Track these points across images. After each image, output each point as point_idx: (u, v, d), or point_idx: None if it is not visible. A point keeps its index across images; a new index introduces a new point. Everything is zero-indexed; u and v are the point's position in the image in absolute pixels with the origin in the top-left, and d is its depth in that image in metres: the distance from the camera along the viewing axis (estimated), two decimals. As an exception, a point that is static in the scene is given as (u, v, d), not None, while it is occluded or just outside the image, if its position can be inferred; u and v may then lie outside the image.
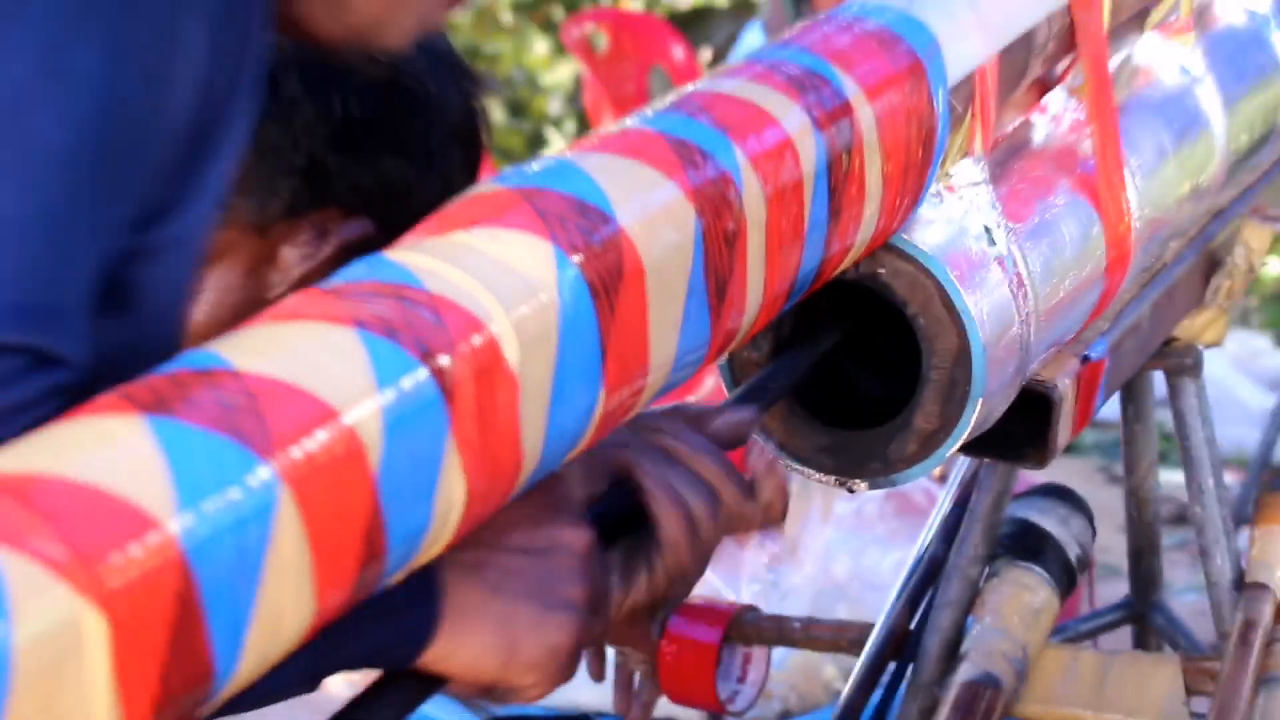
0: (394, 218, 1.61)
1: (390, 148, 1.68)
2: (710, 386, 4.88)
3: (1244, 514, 4.36)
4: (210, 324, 1.58)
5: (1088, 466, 6.37)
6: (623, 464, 1.51)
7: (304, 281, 1.64)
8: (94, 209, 1.09)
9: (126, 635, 0.88)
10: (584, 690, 3.16)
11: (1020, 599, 2.40)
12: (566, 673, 1.45)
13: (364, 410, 1.02)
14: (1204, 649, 2.54)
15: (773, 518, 1.61)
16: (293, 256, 1.68)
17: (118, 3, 1.14)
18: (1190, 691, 2.40)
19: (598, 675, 2.62)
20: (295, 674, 1.28)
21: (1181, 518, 5.46)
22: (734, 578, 3.44)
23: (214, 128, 1.19)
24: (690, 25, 8.79)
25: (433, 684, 1.41)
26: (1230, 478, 5.01)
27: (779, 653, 3.29)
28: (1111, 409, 2.63)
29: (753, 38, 6.35)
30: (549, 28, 10.56)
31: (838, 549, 3.50)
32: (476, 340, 1.10)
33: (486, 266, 1.14)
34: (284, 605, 0.97)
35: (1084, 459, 6.26)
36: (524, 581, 1.42)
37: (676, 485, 1.51)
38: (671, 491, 1.51)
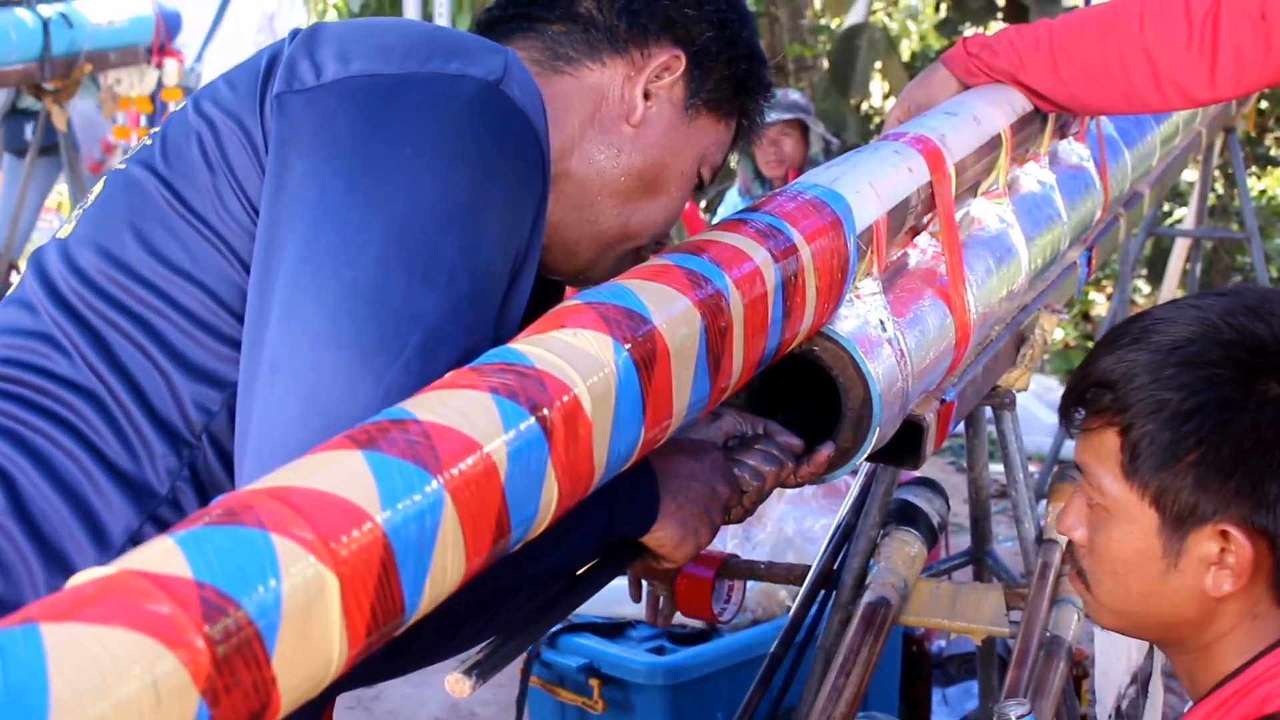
0: None
1: None
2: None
3: (1042, 492, 4.34)
4: None
5: (944, 461, 6.35)
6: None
7: None
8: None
9: (350, 587, 0.89)
10: (626, 607, 3.15)
11: (903, 550, 2.39)
12: (704, 547, 1.60)
13: (496, 444, 1.02)
14: (1018, 580, 2.53)
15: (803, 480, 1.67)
16: None
17: (501, 198, 1.25)
18: (1009, 607, 2.39)
19: (635, 598, 2.62)
20: (575, 554, 1.46)
21: (1003, 494, 5.46)
22: (720, 535, 3.42)
23: (530, 265, 1.32)
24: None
25: (635, 555, 1.58)
26: (1033, 468, 5.00)
27: (750, 582, 3.28)
28: (958, 428, 2.63)
29: (732, 194, 6.35)
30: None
31: (788, 516, 3.49)
32: (565, 398, 1.10)
33: (570, 351, 1.14)
34: (447, 567, 0.97)
35: (942, 457, 6.24)
36: (697, 496, 1.53)
37: (760, 458, 1.63)
38: (759, 457, 1.63)
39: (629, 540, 1.53)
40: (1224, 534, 1.26)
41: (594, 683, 3.16)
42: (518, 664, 3.34)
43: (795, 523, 3.41)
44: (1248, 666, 1.31)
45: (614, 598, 3.27)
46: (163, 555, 0.82)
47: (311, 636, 0.86)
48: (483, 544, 1.01)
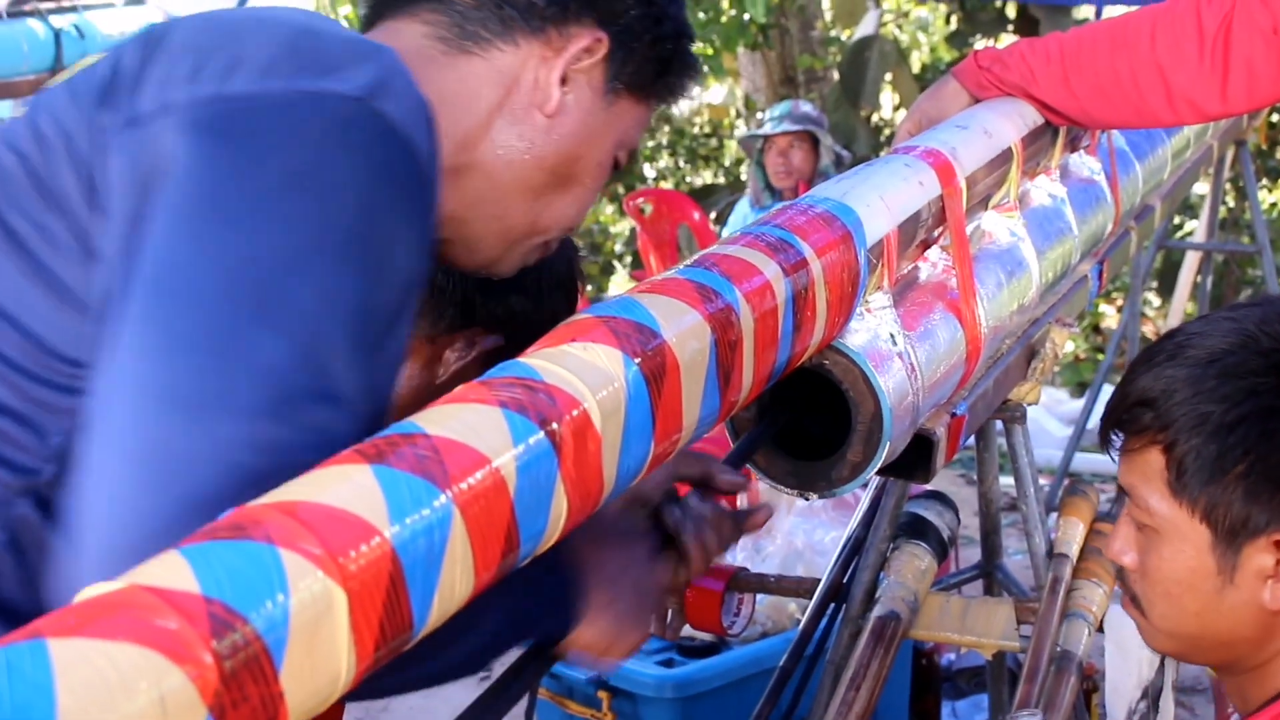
0: (517, 335, 1.63)
1: (515, 290, 1.68)
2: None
3: (1052, 504, 4.34)
4: (404, 395, 1.58)
5: (954, 474, 6.33)
6: (653, 504, 1.60)
7: (459, 375, 1.65)
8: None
9: (359, 602, 0.88)
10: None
11: (913, 564, 2.38)
12: (640, 646, 1.50)
13: (505, 458, 1.02)
14: (1029, 594, 2.52)
15: (757, 527, 1.63)
16: (451, 357, 1.68)
17: (370, 230, 1.12)
18: (1020, 622, 2.38)
19: (660, 626, 2.62)
20: (483, 652, 1.39)
21: (1013, 507, 5.45)
22: (730, 549, 3.42)
23: (410, 298, 1.19)
24: (703, 197, 8.78)
25: (557, 657, 1.49)
26: (1043, 481, 4.99)
27: (760, 595, 3.28)
28: (968, 441, 2.63)
29: (742, 205, 6.36)
30: (615, 198, 10.56)
31: (797, 529, 3.48)
32: (575, 413, 1.10)
33: (580, 365, 1.14)
34: (456, 582, 0.97)
35: (952, 470, 6.23)
36: (628, 592, 1.47)
37: (697, 526, 1.61)
38: (692, 529, 1.60)
39: (550, 642, 1.47)
40: (1278, 545, 1.25)
41: (603, 695, 3.15)
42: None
43: (805, 535, 3.41)
44: None
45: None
46: (171, 570, 0.82)
47: (319, 652, 0.86)
48: (491, 559, 1.00)
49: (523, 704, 3.28)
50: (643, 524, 1.54)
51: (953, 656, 4.08)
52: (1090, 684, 3.51)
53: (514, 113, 1.36)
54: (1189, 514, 1.28)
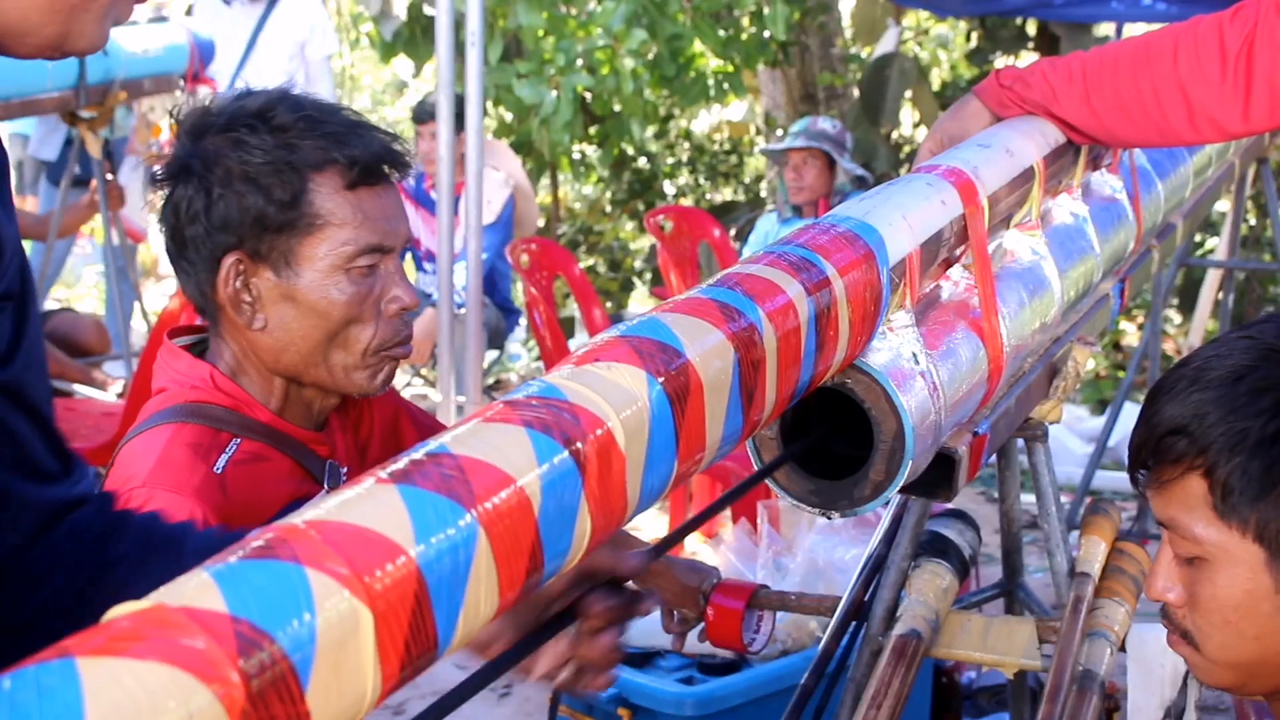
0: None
1: None
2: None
3: (1074, 522, 4.32)
4: None
5: (975, 492, 6.32)
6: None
7: None
8: None
9: (385, 621, 0.89)
10: (657, 638, 3.15)
11: (934, 582, 2.38)
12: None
13: (530, 478, 1.02)
14: (1050, 613, 2.52)
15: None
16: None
17: None
18: (1041, 641, 2.38)
19: (669, 629, 2.62)
20: None
21: (1034, 525, 5.43)
22: (751, 565, 3.42)
23: None
24: (723, 214, 8.78)
25: None
26: (1064, 499, 4.97)
27: (780, 613, 3.27)
28: (990, 458, 2.63)
29: (767, 220, 6.36)
30: (635, 215, 10.57)
31: (819, 547, 3.48)
32: (599, 432, 1.10)
33: (604, 385, 1.14)
34: (481, 600, 0.97)
35: (973, 488, 6.21)
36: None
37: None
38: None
39: None
40: None
41: (623, 713, 3.15)
42: (546, 693, 3.33)
43: (826, 553, 3.40)
44: None
45: (644, 628, 3.27)
46: (198, 589, 0.82)
47: (345, 671, 0.86)
48: (516, 578, 1.01)
49: (541, 718, 3.28)
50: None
51: (973, 675, 4.06)
52: (1112, 703, 3.50)
53: None
54: (1240, 535, 1.26)
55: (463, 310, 6.20)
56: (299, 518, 0.91)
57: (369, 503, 0.93)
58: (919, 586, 2.37)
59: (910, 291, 1.73)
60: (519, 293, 7.12)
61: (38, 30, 1.15)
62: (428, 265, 7.13)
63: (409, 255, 7.14)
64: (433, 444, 1.02)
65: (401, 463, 0.98)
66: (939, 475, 1.87)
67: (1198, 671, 1.35)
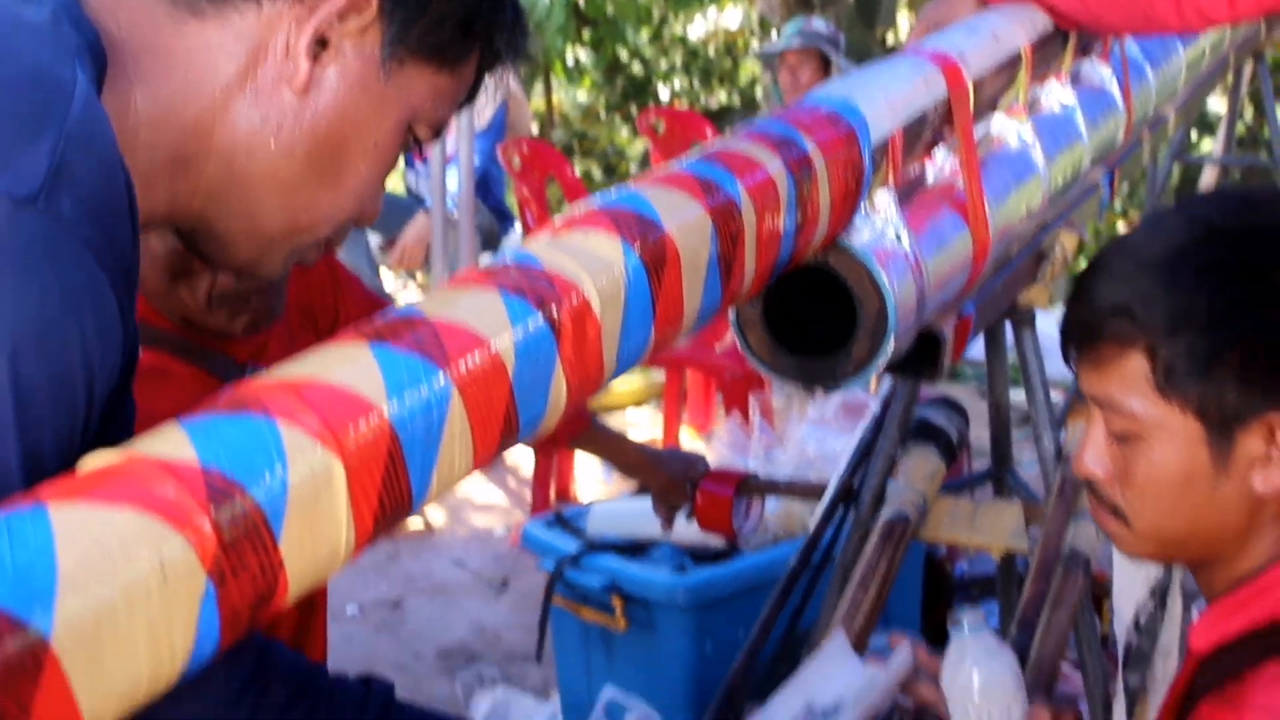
0: None
1: None
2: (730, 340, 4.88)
3: (1062, 418, 4.33)
4: None
5: (970, 389, 6.33)
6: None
7: None
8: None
9: (357, 477, 0.89)
10: (649, 528, 3.16)
11: (922, 467, 2.39)
12: None
13: (504, 341, 1.02)
14: (1038, 498, 2.53)
15: None
16: None
17: (40, 359, 0.91)
18: (1029, 524, 2.39)
19: (668, 526, 2.65)
20: None
21: (1026, 420, 5.46)
22: (743, 457, 3.44)
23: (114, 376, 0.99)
24: (717, 118, 8.73)
25: None
26: (1058, 395, 4.99)
27: (771, 501, 3.29)
28: (982, 354, 2.63)
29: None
30: (629, 119, 10.51)
31: (809, 438, 3.49)
32: (574, 298, 1.10)
33: (581, 253, 1.14)
34: (454, 458, 0.98)
35: (967, 384, 6.22)
36: None
37: None
38: None
39: None
40: (1270, 428, 1.24)
41: (617, 602, 3.17)
42: (540, 584, 3.36)
43: (817, 444, 3.42)
44: (1269, 568, 1.30)
45: (636, 518, 3.29)
46: (169, 441, 0.83)
47: (319, 523, 0.87)
48: (491, 439, 1.01)
49: (536, 613, 3.31)
50: None
51: (965, 566, 4.09)
52: (1101, 590, 3.52)
53: (257, 89, 1.10)
54: (1180, 411, 1.27)
55: (455, 214, 6.18)
56: (269, 375, 0.91)
57: (341, 361, 0.94)
58: (907, 470, 2.38)
59: (893, 172, 1.72)
60: (513, 199, 7.10)
61: (237, 250, 1.18)
62: (418, 164, 7.07)
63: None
64: (406, 308, 1.02)
65: (374, 324, 0.98)
66: (924, 356, 1.88)
67: (1122, 544, 1.36)
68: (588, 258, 1.14)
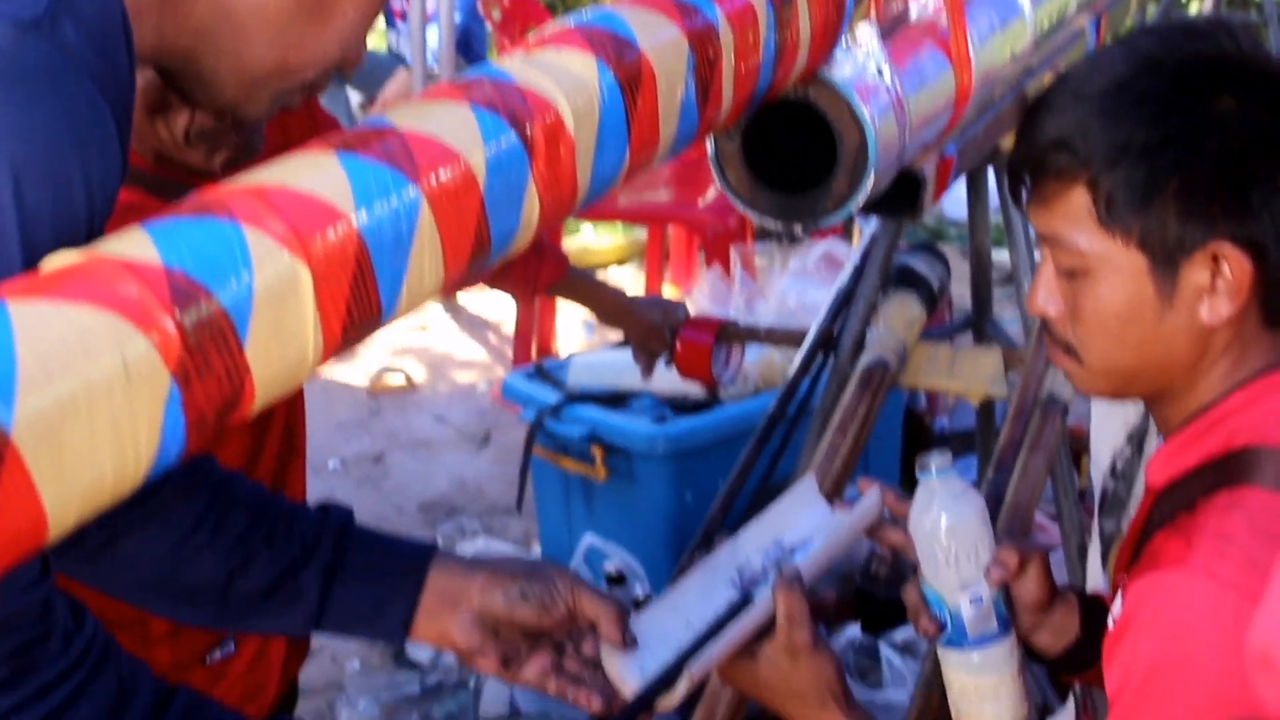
0: None
1: None
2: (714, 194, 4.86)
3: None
4: None
5: (953, 248, 6.33)
6: None
7: None
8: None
9: (324, 284, 0.88)
10: (629, 379, 3.17)
11: (902, 314, 2.39)
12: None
13: (476, 155, 1.01)
14: (1018, 345, 2.53)
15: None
16: None
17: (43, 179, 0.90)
18: (1008, 370, 2.40)
19: (648, 373, 2.64)
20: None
21: (1008, 279, 5.47)
22: (724, 308, 3.43)
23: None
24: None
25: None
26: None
27: (751, 353, 3.29)
28: (964, 214, 2.62)
29: None
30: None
31: (790, 290, 3.49)
32: (548, 115, 1.08)
33: (555, 71, 1.12)
34: (424, 272, 0.96)
35: (950, 245, 6.21)
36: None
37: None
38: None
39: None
40: (1214, 257, 1.24)
41: (597, 451, 3.19)
42: (521, 439, 3.37)
43: (798, 295, 3.41)
44: (1221, 400, 1.30)
45: (617, 369, 3.29)
46: (131, 242, 0.82)
47: (285, 329, 0.86)
48: (462, 253, 1.00)
49: (517, 465, 3.32)
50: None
51: (945, 421, 4.11)
52: (1079, 444, 3.54)
53: None
54: (1123, 244, 1.26)
55: (436, 71, 6.11)
56: (234, 182, 0.90)
57: (308, 169, 0.92)
58: (887, 317, 2.37)
59: (875, 6, 1.69)
60: (495, 55, 7.01)
61: (223, 90, 1.17)
62: (399, 22, 6.98)
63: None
64: (376, 120, 1.00)
65: (342, 134, 0.97)
66: (905, 196, 1.86)
67: (1077, 382, 1.36)
68: (562, 75, 1.12)
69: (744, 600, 1.40)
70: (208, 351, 0.80)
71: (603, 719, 1.35)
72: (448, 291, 1.01)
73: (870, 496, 1.47)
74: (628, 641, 1.37)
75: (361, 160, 0.94)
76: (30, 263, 0.84)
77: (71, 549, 1.23)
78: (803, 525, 1.47)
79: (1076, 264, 1.29)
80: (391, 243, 0.93)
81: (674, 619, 1.39)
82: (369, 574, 1.35)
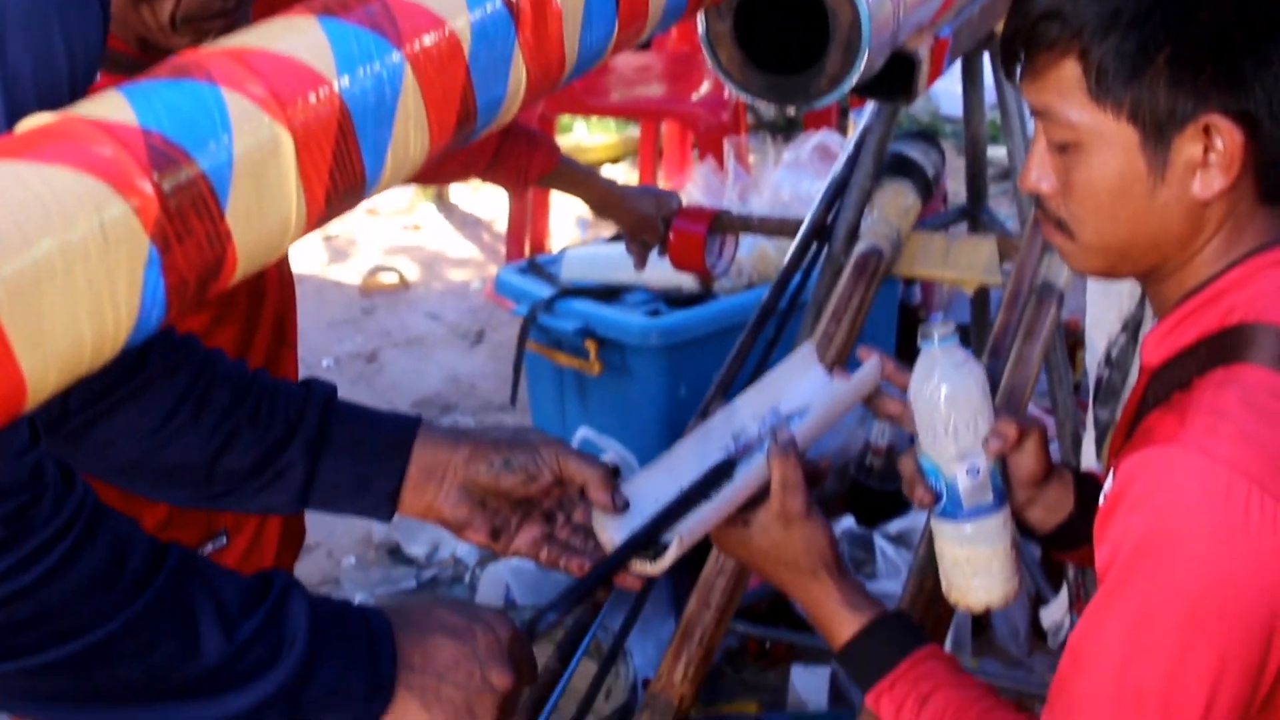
0: None
1: None
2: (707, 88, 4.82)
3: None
4: None
5: (948, 145, 6.30)
6: None
7: None
8: None
9: (306, 149, 0.86)
10: (622, 273, 3.15)
11: (897, 201, 2.37)
12: None
13: (460, 21, 0.99)
14: (1013, 234, 2.51)
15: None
16: None
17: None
18: (1003, 259, 2.38)
19: (641, 264, 2.63)
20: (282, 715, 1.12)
21: (1004, 176, 5.43)
22: (717, 201, 3.40)
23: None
24: None
25: None
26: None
27: (745, 246, 3.27)
28: (959, 110, 2.59)
29: None
30: None
31: (783, 182, 3.46)
32: (533, -17, 1.07)
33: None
34: (409, 138, 0.95)
35: (947, 141, 6.17)
36: (454, 694, 1.20)
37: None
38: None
39: None
40: (1206, 130, 1.23)
41: (590, 345, 3.18)
42: (514, 332, 3.35)
43: (792, 187, 3.38)
44: (1217, 277, 1.29)
45: (610, 263, 3.28)
46: (107, 104, 0.80)
47: (267, 195, 0.84)
48: (447, 122, 0.98)
49: (511, 362, 3.31)
50: (490, 616, 1.27)
51: (940, 316, 4.10)
52: (1074, 338, 3.54)
53: None
54: (1114, 117, 1.25)
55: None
56: (213, 45, 0.88)
57: (288, 33, 0.90)
58: (881, 205, 2.35)
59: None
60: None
61: None
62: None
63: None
64: (357, -16, 0.98)
65: (324, 0, 0.95)
66: (900, 78, 1.84)
67: (1070, 260, 1.35)
68: (547, -58, 1.10)
69: (735, 464, 1.38)
70: (187, 215, 0.79)
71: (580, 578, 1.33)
72: (432, 160, 0.99)
73: (869, 365, 1.46)
74: (618, 504, 1.35)
75: (343, 24, 0.92)
76: (14, 117, 0.82)
77: (54, 428, 1.23)
78: (800, 392, 1.46)
79: (1068, 138, 1.28)
80: (375, 108, 0.91)
81: (667, 483, 1.38)
82: (354, 449, 1.34)
